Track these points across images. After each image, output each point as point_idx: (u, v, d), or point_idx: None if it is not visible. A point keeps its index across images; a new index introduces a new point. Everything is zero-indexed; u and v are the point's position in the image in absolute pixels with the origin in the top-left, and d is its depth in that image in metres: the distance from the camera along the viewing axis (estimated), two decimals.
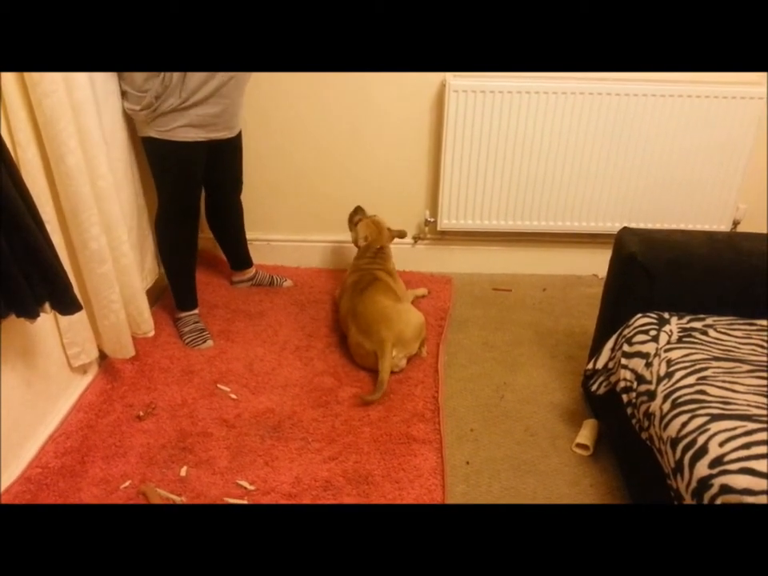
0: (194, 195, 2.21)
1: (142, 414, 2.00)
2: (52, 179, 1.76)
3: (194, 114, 1.99)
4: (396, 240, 2.54)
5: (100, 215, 1.85)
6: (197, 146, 2.06)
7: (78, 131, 1.73)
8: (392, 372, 2.14)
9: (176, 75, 1.90)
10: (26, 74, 1.59)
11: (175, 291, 2.38)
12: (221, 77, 1.98)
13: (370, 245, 2.49)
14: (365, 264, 2.45)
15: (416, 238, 2.86)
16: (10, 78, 1.57)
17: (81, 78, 1.72)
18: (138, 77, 1.91)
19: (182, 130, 2.00)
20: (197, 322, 2.38)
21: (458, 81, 2.43)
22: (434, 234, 2.84)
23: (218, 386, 2.13)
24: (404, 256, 2.84)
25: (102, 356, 2.15)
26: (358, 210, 2.58)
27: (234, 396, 2.09)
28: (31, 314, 1.57)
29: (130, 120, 2.08)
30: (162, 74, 1.88)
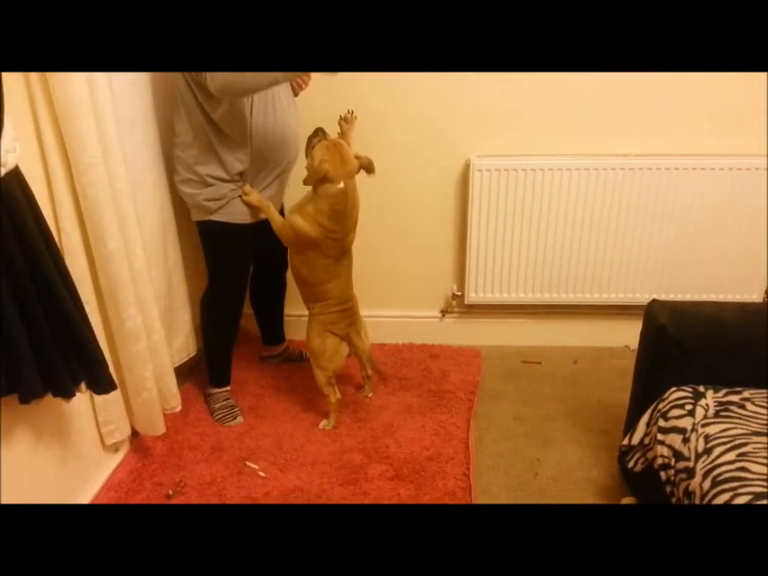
0: (246, 275, 2.30)
1: (171, 492, 1.99)
2: (92, 261, 1.83)
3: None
4: (424, 313, 2.51)
5: (135, 295, 1.92)
6: (251, 227, 2.16)
7: (118, 217, 1.81)
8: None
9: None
10: (72, 165, 1.69)
11: (211, 368, 2.42)
12: (289, 158, 2.14)
13: (331, 179, 1.99)
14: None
15: (444, 312, 2.87)
16: (57, 169, 1.67)
17: (120, 169, 1.80)
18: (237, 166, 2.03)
19: (241, 214, 2.11)
20: (228, 399, 2.40)
21: (482, 161, 2.51)
22: (461, 307, 2.85)
23: (247, 463, 2.12)
24: (432, 330, 2.85)
25: (134, 433, 2.17)
26: (318, 132, 2.06)
27: (262, 474, 2.08)
28: (67, 393, 1.61)
29: (163, 204, 2.17)
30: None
